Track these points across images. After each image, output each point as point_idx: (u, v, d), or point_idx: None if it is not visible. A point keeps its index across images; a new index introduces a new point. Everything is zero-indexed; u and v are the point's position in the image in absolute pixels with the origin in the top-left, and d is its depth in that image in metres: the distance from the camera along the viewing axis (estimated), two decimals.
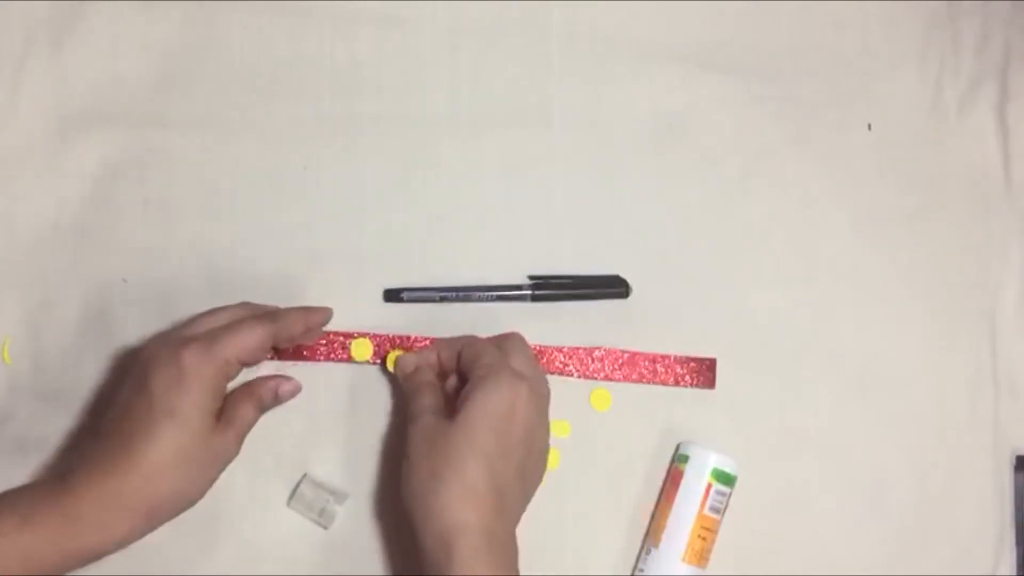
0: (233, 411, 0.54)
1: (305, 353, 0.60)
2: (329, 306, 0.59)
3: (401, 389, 0.59)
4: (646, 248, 0.64)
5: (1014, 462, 0.63)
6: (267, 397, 0.57)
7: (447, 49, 0.64)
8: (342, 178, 0.63)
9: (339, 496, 0.59)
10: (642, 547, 0.60)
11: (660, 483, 0.61)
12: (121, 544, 0.51)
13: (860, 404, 0.64)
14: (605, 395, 0.62)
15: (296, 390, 0.58)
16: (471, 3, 0.65)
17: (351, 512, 0.60)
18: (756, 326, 0.64)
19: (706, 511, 0.58)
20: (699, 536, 0.58)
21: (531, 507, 0.60)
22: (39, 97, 0.62)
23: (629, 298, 0.63)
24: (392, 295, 0.62)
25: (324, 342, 0.61)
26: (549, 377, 0.61)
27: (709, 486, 0.58)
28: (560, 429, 0.61)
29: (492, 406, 0.52)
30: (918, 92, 0.67)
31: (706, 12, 0.66)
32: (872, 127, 0.66)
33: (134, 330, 0.60)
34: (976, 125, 0.67)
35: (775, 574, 0.61)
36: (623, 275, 0.63)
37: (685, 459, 0.59)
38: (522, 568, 0.59)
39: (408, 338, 0.61)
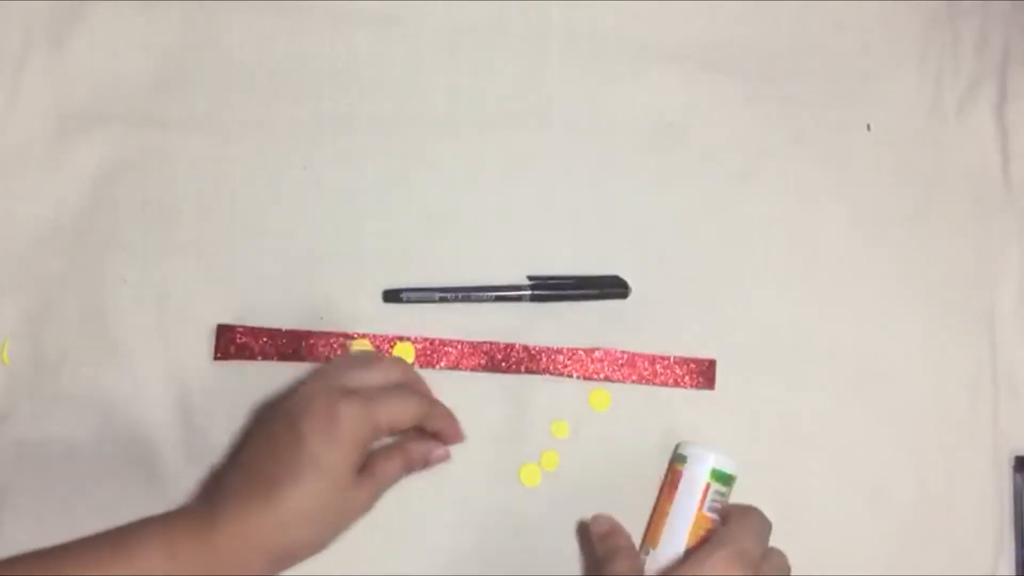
0: (378, 466, 0.53)
1: (305, 353, 0.61)
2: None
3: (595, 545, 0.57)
4: (646, 248, 0.64)
5: (1013, 462, 0.63)
6: (417, 460, 0.55)
7: (446, 49, 0.64)
8: (342, 178, 0.63)
9: None
10: (640, 548, 0.60)
11: (658, 483, 0.61)
12: None
13: (860, 404, 0.63)
14: (604, 396, 0.62)
15: (446, 457, 0.56)
16: (471, 3, 0.65)
17: None
18: (756, 326, 0.64)
19: (704, 511, 0.58)
20: (697, 536, 0.58)
21: (530, 507, 0.60)
22: (39, 97, 0.62)
23: (628, 298, 0.63)
24: (392, 295, 0.62)
25: (324, 342, 0.61)
26: (548, 378, 0.61)
27: (708, 486, 0.58)
28: (559, 430, 0.61)
29: None
30: (918, 92, 0.67)
31: (706, 12, 0.66)
32: (872, 127, 0.66)
33: (134, 330, 0.60)
34: (976, 125, 0.67)
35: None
36: (623, 275, 0.63)
37: (683, 459, 0.59)
38: (520, 569, 0.59)
39: (408, 338, 0.61)
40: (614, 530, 0.58)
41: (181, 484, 0.59)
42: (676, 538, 0.58)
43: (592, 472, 0.61)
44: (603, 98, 0.65)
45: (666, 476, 0.61)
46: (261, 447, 0.51)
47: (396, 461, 0.54)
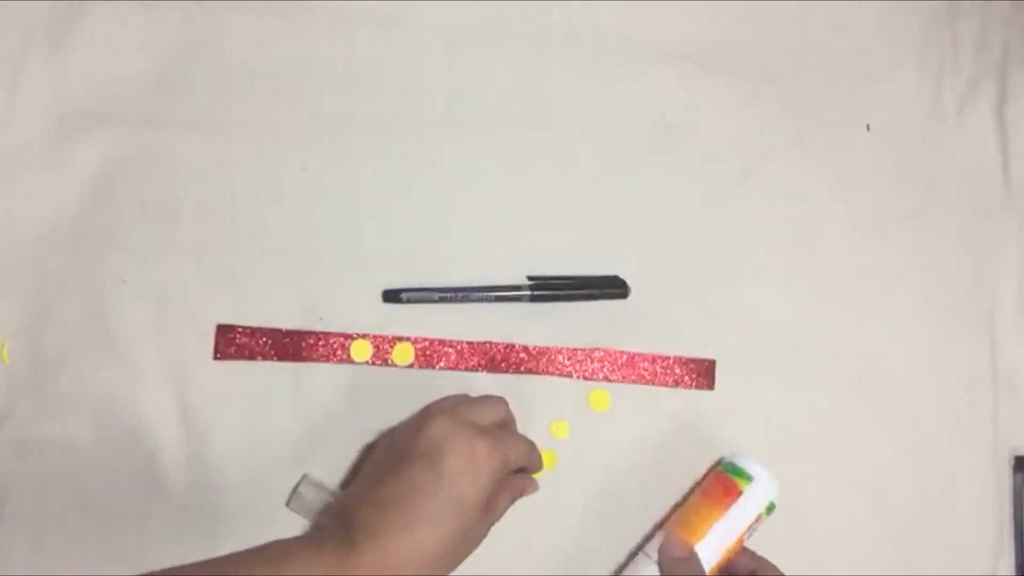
0: (494, 501, 0.54)
1: (305, 353, 0.61)
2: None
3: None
4: (645, 248, 0.64)
5: (1013, 462, 0.63)
6: (518, 491, 0.58)
7: (446, 49, 0.64)
8: (342, 178, 0.63)
9: (338, 496, 0.59)
10: (658, 530, 0.59)
11: (658, 483, 0.61)
12: None
13: (860, 404, 0.63)
14: (604, 396, 0.62)
15: (536, 488, 0.60)
16: (470, 3, 0.65)
17: None
18: (756, 326, 0.64)
19: (745, 536, 0.57)
20: (727, 556, 0.56)
21: (530, 508, 0.60)
22: (39, 97, 0.62)
23: (628, 298, 0.63)
24: (391, 295, 0.62)
25: (324, 342, 0.61)
26: (548, 378, 0.61)
27: (759, 517, 0.57)
28: (559, 430, 0.61)
29: None
30: (918, 92, 0.67)
31: (706, 12, 0.66)
32: (872, 127, 0.66)
33: (134, 330, 0.60)
34: (975, 125, 0.67)
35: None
36: (622, 275, 0.63)
37: (749, 479, 0.57)
38: (520, 569, 0.60)
39: (408, 339, 0.61)
40: (692, 556, 0.56)
41: (181, 484, 0.59)
42: (712, 551, 0.56)
43: (592, 472, 0.61)
44: (603, 98, 0.65)
45: (717, 481, 0.58)
46: (399, 485, 0.51)
47: (506, 494, 0.56)
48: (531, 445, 0.57)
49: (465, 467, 0.51)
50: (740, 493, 0.57)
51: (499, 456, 0.52)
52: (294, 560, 0.49)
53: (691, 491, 0.61)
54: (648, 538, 0.60)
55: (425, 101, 0.64)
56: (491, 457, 0.52)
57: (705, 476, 0.61)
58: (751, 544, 0.58)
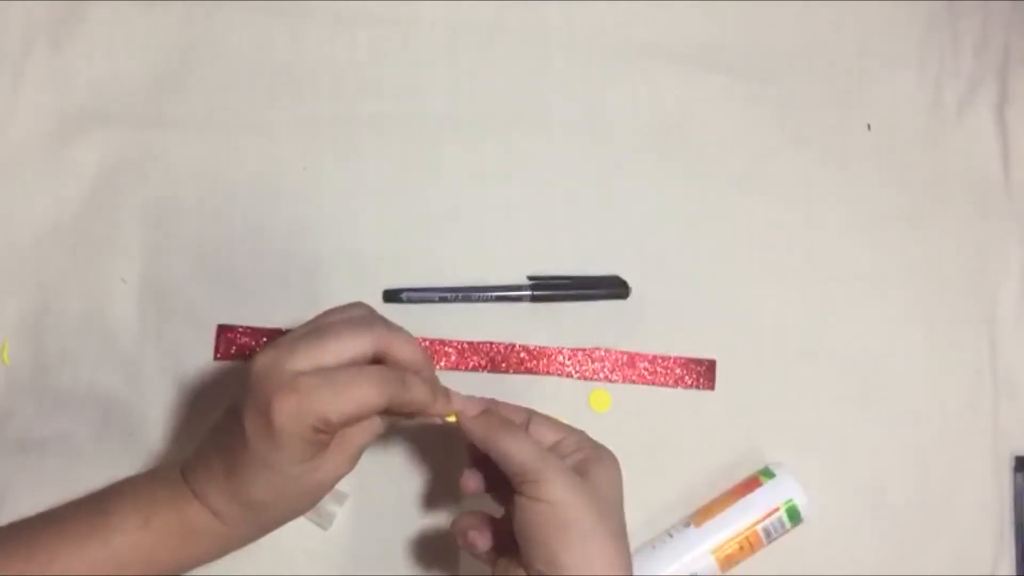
0: (347, 435, 0.48)
1: None
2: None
3: None
4: (646, 248, 0.64)
5: (1013, 463, 0.63)
6: (352, 445, 0.49)
7: (447, 49, 0.64)
8: (342, 178, 0.63)
9: (338, 496, 0.59)
10: (686, 521, 0.60)
11: (657, 484, 0.61)
12: (228, 549, 0.50)
13: (860, 404, 0.63)
14: (604, 396, 0.62)
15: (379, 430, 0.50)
16: (471, 3, 0.65)
17: (351, 512, 0.60)
18: (756, 326, 0.63)
19: (758, 528, 0.58)
20: (738, 543, 0.58)
21: None
22: (39, 97, 0.62)
23: (628, 299, 0.63)
24: (392, 295, 0.62)
25: None
26: (549, 378, 0.61)
27: (776, 510, 0.58)
28: None
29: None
30: (918, 92, 0.67)
31: (706, 12, 0.66)
32: (872, 127, 0.66)
33: (134, 330, 0.60)
34: (976, 126, 0.67)
35: (775, 574, 0.61)
36: (623, 275, 0.63)
37: (770, 475, 0.59)
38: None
39: None
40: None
41: None
42: (719, 532, 0.58)
43: None
44: (603, 98, 0.65)
45: (745, 480, 0.61)
46: (223, 429, 0.49)
47: (366, 428, 0.48)
48: (390, 390, 0.46)
49: (262, 429, 0.45)
50: (759, 485, 0.59)
51: (300, 418, 0.44)
52: (128, 501, 0.49)
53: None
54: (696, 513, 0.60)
55: (425, 101, 0.64)
56: (288, 418, 0.44)
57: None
58: (773, 548, 0.59)
